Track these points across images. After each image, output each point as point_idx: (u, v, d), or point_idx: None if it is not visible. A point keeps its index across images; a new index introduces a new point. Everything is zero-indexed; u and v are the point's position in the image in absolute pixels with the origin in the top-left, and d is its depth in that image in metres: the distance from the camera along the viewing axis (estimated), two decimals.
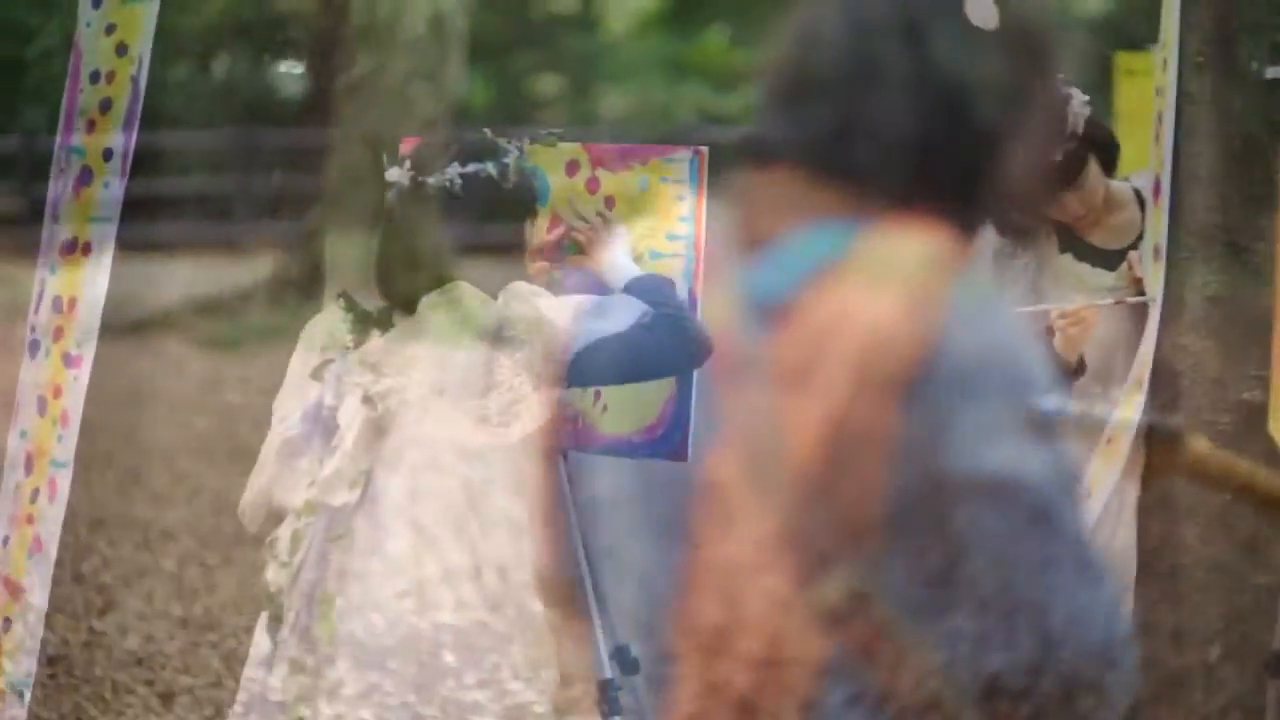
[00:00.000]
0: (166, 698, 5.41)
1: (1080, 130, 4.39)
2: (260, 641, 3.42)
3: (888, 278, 1.86)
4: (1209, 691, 5.82)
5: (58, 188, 4.07)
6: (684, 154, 3.70)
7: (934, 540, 1.87)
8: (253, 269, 7.71)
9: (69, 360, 3.99)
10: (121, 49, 4.01)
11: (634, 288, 3.55)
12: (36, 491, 4.00)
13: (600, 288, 3.71)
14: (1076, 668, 1.94)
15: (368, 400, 3.33)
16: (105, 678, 5.23)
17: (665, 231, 3.71)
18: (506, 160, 3.49)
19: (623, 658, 3.90)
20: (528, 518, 3.42)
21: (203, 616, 5.92)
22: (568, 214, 3.73)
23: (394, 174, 3.46)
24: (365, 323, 3.43)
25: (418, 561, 3.31)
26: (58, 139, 4.10)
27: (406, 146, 3.55)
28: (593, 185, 3.76)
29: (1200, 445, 2.45)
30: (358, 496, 3.33)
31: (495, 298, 3.44)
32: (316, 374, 3.42)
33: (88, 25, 4.05)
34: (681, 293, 3.67)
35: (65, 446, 3.98)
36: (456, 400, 3.30)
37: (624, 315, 3.42)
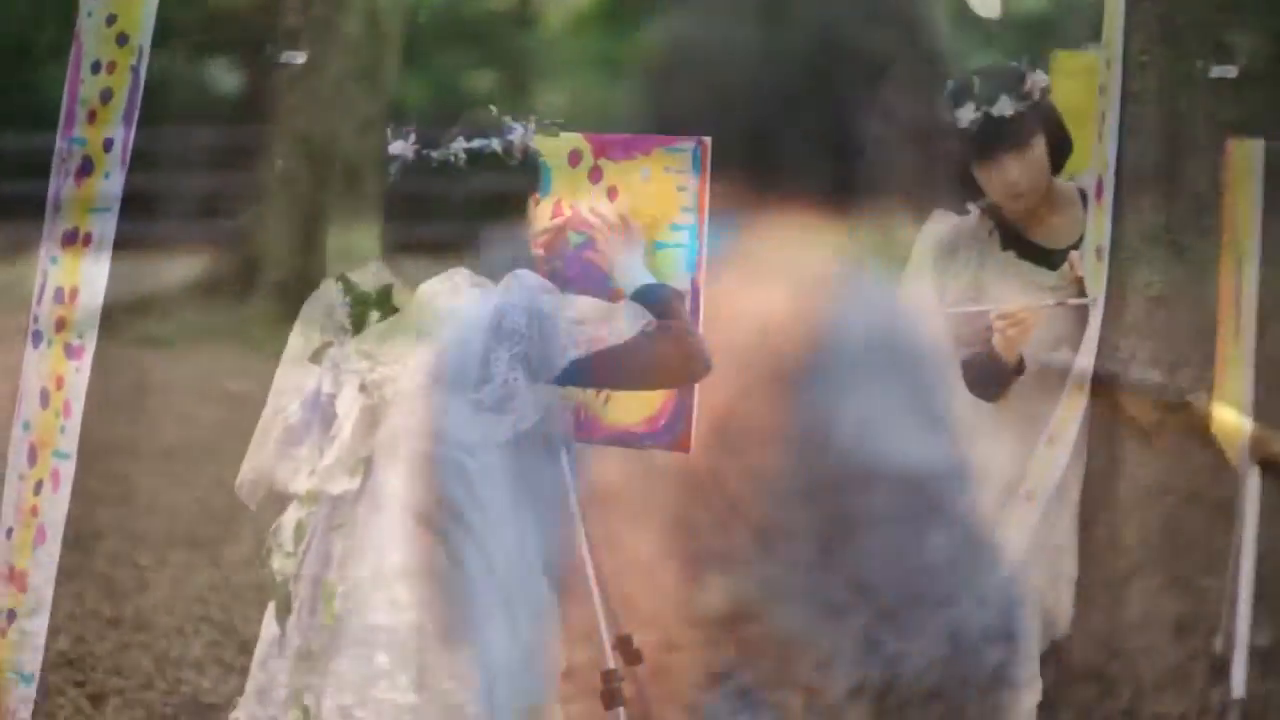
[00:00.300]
0: (97, 699, 5.39)
1: (1036, 99, 4.40)
2: (268, 630, 3.42)
3: (772, 271, 1.85)
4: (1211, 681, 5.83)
5: (58, 178, 4.06)
6: (687, 144, 3.69)
7: (827, 531, 1.86)
8: (184, 267, 7.65)
9: (71, 351, 3.99)
10: (122, 39, 4.00)
11: (643, 295, 3.53)
12: (40, 483, 4.00)
13: (601, 282, 3.70)
14: (976, 651, 1.93)
15: (364, 388, 3.33)
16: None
17: (668, 222, 3.70)
18: (511, 137, 3.48)
19: (625, 648, 3.90)
20: (528, 506, 3.41)
21: (134, 617, 5.89)
22: (584, 209, 3.72)
23: (398, 147, 3.45)
24: (364, 304, 3.42)
25: (417, 546, 3.31)
26: (59, 129, 4.09)
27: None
28: (595, 175, 3.76)
29: (1219, 409, 2.45)
30: (358, 484, 3.33)
31: (496, 283, 3.41)
32: (316, 357, 3.42)
33: (89, 15, 4.05)
34: (685, 283, 3.67)
35: (68, 437, 3.97)
36: (452, 390, 3.29)
37: (627, 324, 3.40)
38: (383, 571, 3.30)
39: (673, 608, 6.02)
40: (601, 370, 3.42)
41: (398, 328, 3.35)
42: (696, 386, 3.65)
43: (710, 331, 3.59)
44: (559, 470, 3.52)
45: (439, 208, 3.40)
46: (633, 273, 3.61)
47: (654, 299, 3.49)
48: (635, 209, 3.71)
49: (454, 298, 3.36)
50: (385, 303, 3.42)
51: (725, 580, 6.22)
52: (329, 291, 3.48)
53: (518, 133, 3.49)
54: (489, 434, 3.31)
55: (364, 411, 3.33)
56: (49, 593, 3.96)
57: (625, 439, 3.75)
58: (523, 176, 3.52)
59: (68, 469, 3.96)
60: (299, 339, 3.49)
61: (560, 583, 3.51)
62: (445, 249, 3.40)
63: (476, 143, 3.43)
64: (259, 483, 3.47)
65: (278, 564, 3.37)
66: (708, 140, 3.69)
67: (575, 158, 3.78)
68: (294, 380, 3.47)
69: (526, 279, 3.41)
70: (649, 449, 3.76)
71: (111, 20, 4.02)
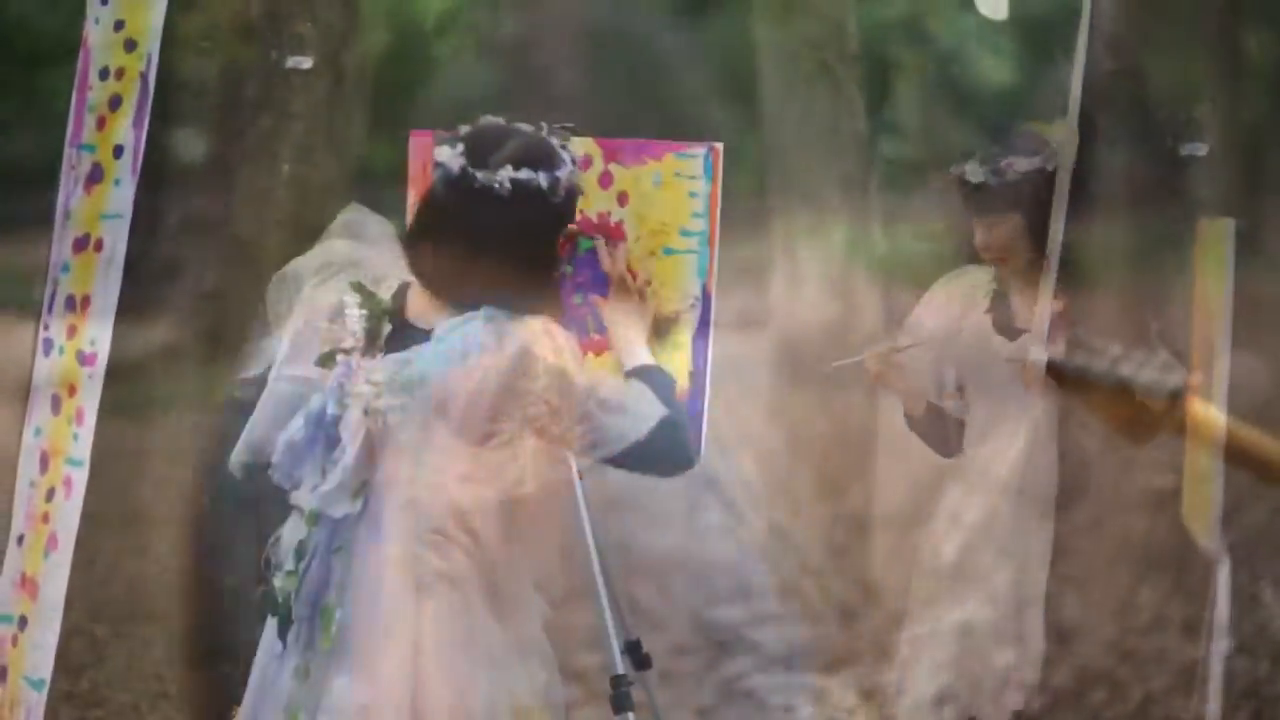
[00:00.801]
0: None
1: (1008, 177, 4.36)
2: (269, 641, 3.40)
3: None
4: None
5: (68, 185, 4.06)
6: (699, 149, 3.69)
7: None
8: (150, 333, 7.51)
9: (83, 358, 3.98)
10: (130, 45, 3.99)
11: (643, 377, 3.46)
12: (52, 490, 3.99)
13: (601, 271, 3.69)
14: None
15: (369, 413, 3.30)
16: None
17: (679, 227, 3.70)
18: (559, 174, 3.36)
19: (634, 653, 3.91)
20: (529, 535, 3.40)
21: (89, 692, 5.82)
22: (604, 253, 3.68)
23: (444, 153, 3.34)
24: (379, 316, 3.37)
25: (416, 564, 3.29)
26: (67, 136, 4.09)
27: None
28: (605, 180, 3.75)
29: (1202, 407, 2.43)
30: (359, 508, 3.31)
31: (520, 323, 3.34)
32: (324, 362, 3.37)
33: (96, 22, 4.04)
34: (695, 289, 3.66)
35: (81, 445, 3.96)
36: (456, 431, 3.26)
37: (643, 420, 3.33)
38: (380, 597, 3.28)
39: (685, 613, 6.02)
40: (611, 459, 3.36)
41: (408, 364, 3.30)
42: (708, 393, 3.65)
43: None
44: (571, 493, 3.51)
45: (473, 232, 3.33)
46: (635, 349, 3.55)
47: (656, 385, 3.42)
48: (645, 214, 3.71)
49: (468, 343, 3.28)
50: (399, 312, 3.38)
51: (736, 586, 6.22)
52: (338, 292, 3.42)
53: (565, 170, 3.37)
54: (488, 485, 3.28)
55: (368, 436, 3.30)
56: (61, 600, 3.95)
57: None
58: (562, 213, 3.41)
59: (80, 476, 3.96)
60: (305, 336, 3.42)
61: (560, 598, 3.51)
62: (473, 270, 3.34)
63: (524, 173, 3.31)
64: (252, 469, 3.45)
65: (279, 582, 3.35)
66: (719, 145, 3.69)
67: (586, 162, 3.76)
68: (295, 371, 3.41)
69: (552, 336, 3.33)
70: None
71: (119, 26, 4.01)
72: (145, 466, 4.11)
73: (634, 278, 3.64)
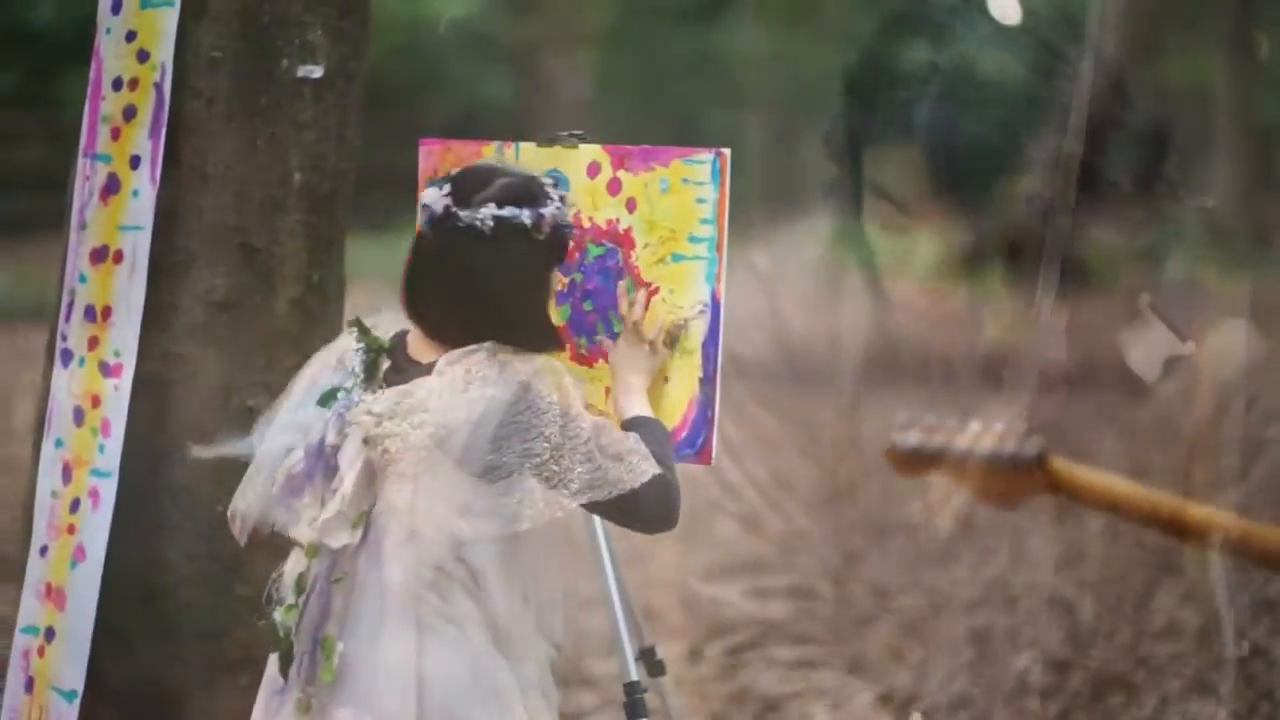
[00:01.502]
0: None
1: None
2: (271, 673, 3.41)
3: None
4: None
5: (83, 195, 4.07)
6: (706, 155, 3.70)
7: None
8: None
9: (107, 369, 3.99)
10: (143, 55, 4.00)
11: (641, 428, 3.47)
12: (77, 501, 3.99)
13: (616, 294, 3.71)
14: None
15: (369, 442, 3.30)
16: None
17: (687, 234, 3.70)
18: (544, 211, 3.37)
19: (649, 659, 3.92)
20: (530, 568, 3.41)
21: None
22: (624, 302, 3.71)
23: (430, 195, 3.38)
24: (377, 351, 3.39)
25: (418, 601, 3.29)
26: (80, 146, 4.10)
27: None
28: (614, 187, 3.76)
29: (1064, 464, 2.47)
30: (359, 538, 3.31)
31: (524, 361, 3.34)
32: (325, 401, 3.39)
33: (108, 32, 4.05)
34: (704, 295, 3.67)
35: (108, 456, 3.97)
36: (458, 464, 3.26)
37: (639, 472, 3.32)
38: (381, 628, 3.29)
39: (696, 620, 6.02)
40: (615, 511, 3.36)
41: (409, 397, 3.30)
42: (719, 396, 3.66)
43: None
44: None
45: (460, 272, 3.36)
46: (634, 398, 3.57)
47: (652, 439, 3.43)
48: (653, 221, 3.72)
49: (470, 377, 3.28)
50: (399, 351, 3.39)
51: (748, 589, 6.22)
52: (343, 339, 3.44)
53: (551, 207, 3.39)
54: (487, 519, 3.28)
55: (367, 465, 3.31)
56: (92, 610, 3.95)
57: None
58: (549, 253, 3.42)
59: (109, 488, 3.96)
60: (306, 378, 3.44)
61: (562, 639, 3.51)
62: (465, 310, 3.37)
63: (507, 211, 3.34)
64: (249, 517, 3.45)
65: (280, 616, 3.35)
66: (726, 151, 3.70)
67: (594, 169, 3.78)
68: (297, 419, 3.44)
69: (560, 375, 3.34)
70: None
71: (131, 37, 4.02)
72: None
73: (647, 328, 3.66)
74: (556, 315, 3.78)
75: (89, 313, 4.03)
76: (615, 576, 3.74)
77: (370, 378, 3.36)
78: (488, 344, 3.30)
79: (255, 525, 3.41)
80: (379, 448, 3.27)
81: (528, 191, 3.39)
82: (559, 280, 3.79)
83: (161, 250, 4.02)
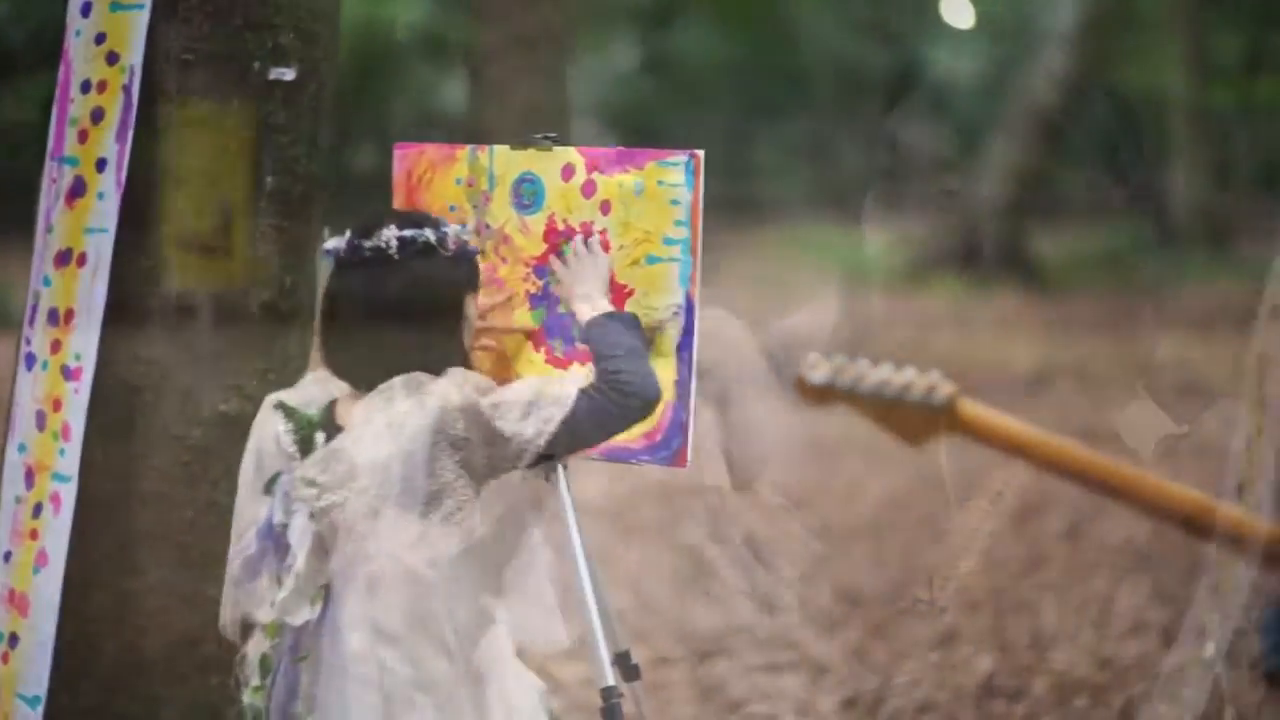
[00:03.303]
0: None
1: None
2: None
3: None
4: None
5: (49, 198, 4.04)
6: (680, 157, 3.69)
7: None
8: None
9: (68, 373, 3.97)
10: (112, 58, 3.97)
11: (591, 331, 3.53)
12: (39, 506, 3.97)
13: None
14: None
15: (314, 516, 3.30)
16: None
17: (662, 235, 3.69)
18: (446, 230, 3.45)
19: (624, 664, 3.89)
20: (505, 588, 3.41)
21: None
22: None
23: (333, 243, 3.44)
24: (308, 428, 3.39)
25: (383, 672, 3.28)
26: (48, 149, 4.06)
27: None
28: (588, 189, 3.75)
29: (972, 408, 2.54)
30: (319, 613, 3.31)
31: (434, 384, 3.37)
32: (268, 489, 3.39)
33: (77, 34, 4.02)
34: (678, 297, 3.66)
35: (68, 460, 3.95)
36: (400, 507, 3.27)
37: (562, 400, 3.38)
38: (348, 704, 3.28)
39: (668, 623, 6.01)
40: (563, 444, 3.41)
41: (338, 453, 3.30)
42: (694, 402, 3.65)
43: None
44: (536, 538, 3.52)
45: (373, 302, 3.37)
46: (586, 303, 3.62)
47: (600, 336, 3.50)
48: (628, 223, 3.71)
49: (390, 412, 3.30)
50: (329, 422, 3.38)
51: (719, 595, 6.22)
52: (272, 420, 3.43)
53: (452, 228, 3.47)
54: (441, 549, 3.29)
55: (316, 539, 3.31)
56: (54, 616, 3.93)
57: (621, 454, 3.74)
58: (457, 271, 3.47)
59: (69, 492, 3.94)
60: (249, 471, 3.45)
61: (565, 640, 3.52)
62: (384, 347, 3.36)
63: (409, 232, 3.39)
64: (235, 618, 3.45)
65: (248, 699, 3.36)
66: (700, 153, 3.69)
67: (568, 171, 3.77)
68: (249, 516, 3.43)
69: (460, 379, 3.37)
70: (645, 465, 3.75)
71: (101, 39, 3.99)
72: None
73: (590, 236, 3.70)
74: (531, 318, 3.77)
75: (52, 316, 4.00)
76: (590, 577, 3.71)
77: (306, 453, 3.37)
78: (398, 380, 3.31)
79: (241, 627, 3.44)
80: (325, 519, 3.28)
81: (427, 217, 3.48)
82: (532, 283, 3.78)
83: (132, 253, 3.99)
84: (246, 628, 3.46)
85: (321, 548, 3.31)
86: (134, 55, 3.94)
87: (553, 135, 3.81)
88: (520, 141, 3.82)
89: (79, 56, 4.01)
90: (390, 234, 3.38)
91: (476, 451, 3.31)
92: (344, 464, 3.28)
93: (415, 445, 3.26)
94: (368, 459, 3.26)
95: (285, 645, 3.33)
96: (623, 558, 7.21)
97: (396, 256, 3.37)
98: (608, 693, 3.66)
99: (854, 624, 6.84)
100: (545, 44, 4.93)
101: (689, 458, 3.70)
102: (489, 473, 3.36)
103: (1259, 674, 5.23)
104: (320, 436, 3.36)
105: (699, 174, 3.68)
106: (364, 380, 3.39)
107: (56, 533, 3.94)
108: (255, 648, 3.38)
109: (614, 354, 3.46)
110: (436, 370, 3.37)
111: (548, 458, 3.46)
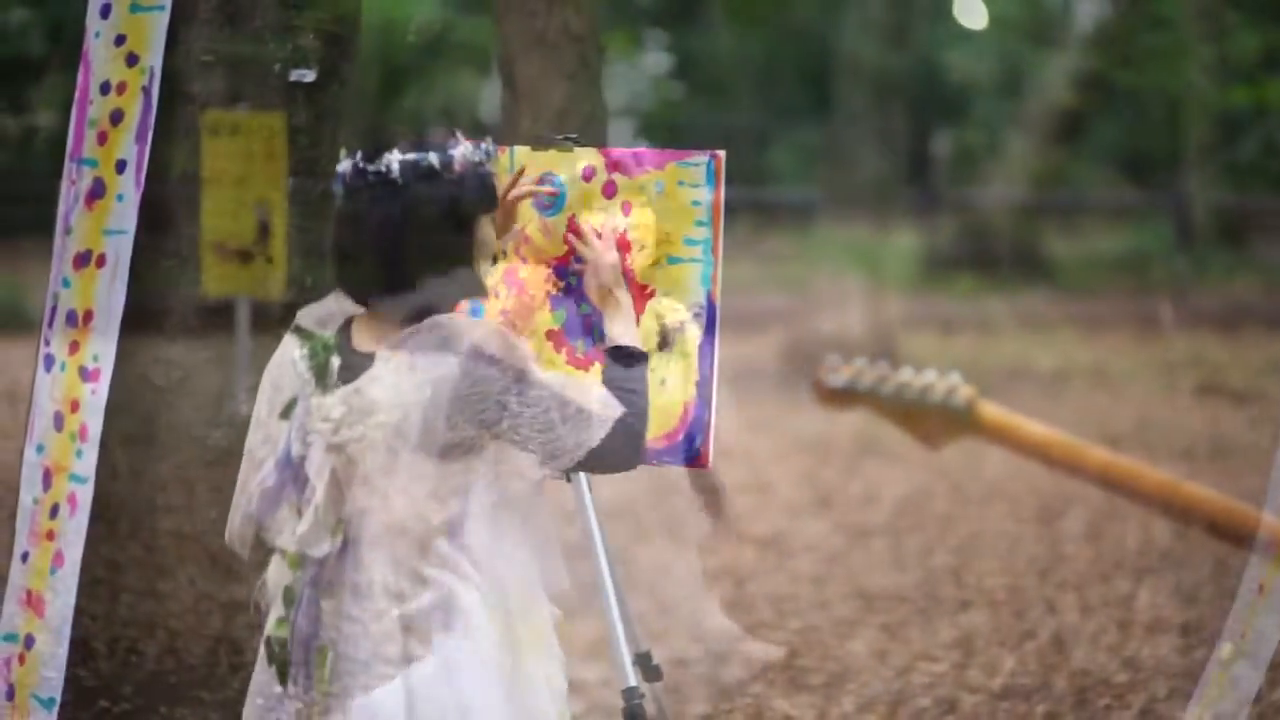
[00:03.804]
0: None
1: None
2: (263, 680, 3.37)
3: None
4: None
5: (69, 200, 4.04)
6: (701, 158, 3.69)
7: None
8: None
9: (85, 374, 3.96)
10: (132, 59, 3.97)
11: (611, 361, 3.41)
12: (56, 507, 3.97)
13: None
14: None
15: (331, 449, 3.27)
16: None
17: (682, 236, 3.69)
18: (453, 152, 3.32)
19: (645, 664, 3.89)
20: (521, 538, 3.38)
21: None
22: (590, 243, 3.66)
23: (342, 164, 3.34)
24: (323, 352, 3.34)
25: (404, 602, 3.26)
26: (68, 150, 4.06)
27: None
28: (609, 190, 3.75)
29: (992, 411, 2.55)
30: (340, 545, 3.29)
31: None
32: (286, 413, 3.35)
33: (96, 36, 4.02)
34: (700, 297, 3.66)
35: (85, 461, 3.94)
36: (418, 448, 3.23)
37: (601, 424, 3.26)
38: (368, 633, 3.26)
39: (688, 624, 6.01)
40: (561, 463, 3.30)
41: (359, 391, 3.25)
42: (716, 399, 3.64)
43: None
44: (546, 501, 3.48)
45: (379, 226, 3.29)
46: (615, 325, 3.51)
47: (621, 378, 3.37)
48: (649, 224, 3.70)
49: (416, 358, 3.23)
50: (345, 345, 3.32)
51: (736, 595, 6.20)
52: (289, 346, 3.37)
53: (460, 148, 3.33)
54: (458, 496, 3.26)
55: (334, 473, 3.28)
56: (69, 617, 3.93)
57: None
58: (464, 192, 3.33)
59: (85, 493, 3.93)
60: (264, 400, 3.39)
61: (571, 602, 3.48)
62: (392, 268, 3.32)
63: (412, 155, 3.29)
64: (244, 538, 3.43)
65: (272, 629, 3.34)
66: (721, 154, 3.68)
67: (589, 173, 3.76)
68: (262, 435, 3.39)
69: (510, 337, 3.28)
70: (666, 465, 3.74)
71: (120, 41, 3.98)
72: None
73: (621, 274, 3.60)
74: (552, 320, 3.76)
75: (71, 318, 4.00)
76: (611, 578, 3.71)
77: (322, 379, 3.30)
78: (426, 322, 3.26)
79: (251, 541, 3.39)
80: (342, 454, 3.25)
81: (437, 139, 3.34)
82: (552, 283, 3.77)
83: (154, 254, 3.99)
84: (256, 543, 3.41)
85: (339, 480, 3.28)
86: (154, 57, 3.94)
87: (573, 136, 3.81)
88: (541, 142, 3.81)
89: (98, 58, 4.01)
90: (393, 158, 3.29)
91: (506, 421, 3.22)
92: (364, 402, 3.23)
93: (438, 400, 3.20)
94: (388, 402, 3.22)
95: (307, 577, 3.31)
96: (639, 558, 7.21)
97: (400, 181, 3.28)
98: (629, 694, 3.66)
99: (871, 624, 6.83)
100: (571, 46, 4.94)
101: (710, 457, 3.70)
102: (510, 442, 3.25)
103: None
104: (335, 361, 3.30)
105: (720, 175, 3.67)
106: (375, 303, 3.33)
107: (73, 533, 3.93)
108: (277, 579, 3.34)
109: (637, 405, 3.34)
110: (449, 292, 3.33)
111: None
